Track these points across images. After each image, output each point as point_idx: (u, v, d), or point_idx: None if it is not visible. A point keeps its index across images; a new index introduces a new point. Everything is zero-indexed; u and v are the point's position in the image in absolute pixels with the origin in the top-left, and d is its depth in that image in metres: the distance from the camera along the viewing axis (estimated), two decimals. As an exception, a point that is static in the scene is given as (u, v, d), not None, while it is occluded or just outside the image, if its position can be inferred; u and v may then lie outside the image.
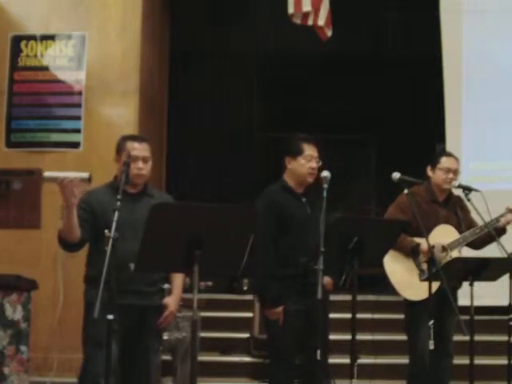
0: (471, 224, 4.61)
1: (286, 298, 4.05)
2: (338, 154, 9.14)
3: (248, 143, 9.07)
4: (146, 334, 3.76)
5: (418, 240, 4.42)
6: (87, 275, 3.82)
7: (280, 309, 4.03)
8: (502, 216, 4.46)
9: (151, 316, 3.79)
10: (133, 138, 3.90)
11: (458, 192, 4.61)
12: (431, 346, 3.91)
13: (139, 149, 3.78)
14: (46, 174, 3.47)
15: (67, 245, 3.67)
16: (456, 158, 4.68)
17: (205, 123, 8.97)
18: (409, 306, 4.52)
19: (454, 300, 4.39)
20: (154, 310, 3.80)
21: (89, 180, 3.43)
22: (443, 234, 4.48)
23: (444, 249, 4.45)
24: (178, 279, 3.95)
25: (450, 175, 4.56)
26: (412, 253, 4.45)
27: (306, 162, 4.17)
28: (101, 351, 3.57)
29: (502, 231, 4.48)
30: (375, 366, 6.04)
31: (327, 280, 4.25)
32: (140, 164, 3.76)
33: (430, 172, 4.65)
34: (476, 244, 4.58)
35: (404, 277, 4.48)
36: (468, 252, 4.66)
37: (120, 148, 3.83)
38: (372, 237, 3.67)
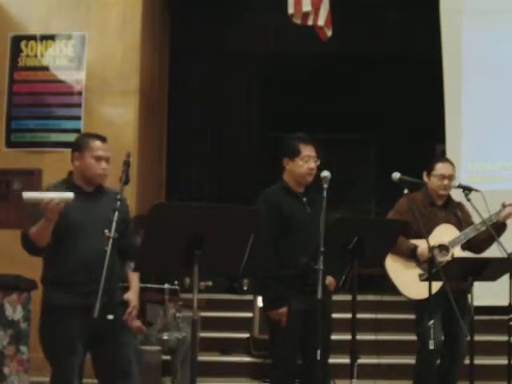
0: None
1: (287, 299, 4.05)
2: (338, 154, 9.15)
3: (248, 143, 9.07)
4: (116, 330, 3.63)
5: (418, 242, 4.41)
6: (47, 277, 3.68)
7: (283, 310, 4.03)
8: (500, 212, 4.45)
9: (117, 312, 3.64)
10: (96, 137, 3.80)
11: (458, 192, 4.61)
12: (431, 346, 3.91)
13: (104, 149, 3.73)
14: (27, 195, 3.35)
15: (35, 248, 3.56)
16: (451, 163, 4.67)
17: (205, 123, 8.97)
18: (413, 304, 4.51)
19: (465, 303, 4.31)
20: (118, 306, 3.70)
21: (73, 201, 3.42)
22: (444, 233, 4.48)
23: (445, 247, 4.45)
24: (135, 275, 3.88)
25: (445, 182, 4.57)
26: (411, 256, 4.45)
27: (303, 163, 4.16)
28: (72, 357, 3.55)
29: (503, 226, 4.48)
30: (378, 366, 6.04)
31: (329, 280, 4.25)
32: (104, 164, 3.70)
33: (425, 178, 4.66)
34: (477, 245, 4.57)
35: (406, 276, 4.48)
36: (468, 252, 4.65)
37: (81, 146, 3.73)
38: (372, 237, 3.67)
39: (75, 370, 3.60)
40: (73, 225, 3.55)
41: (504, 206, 4.45)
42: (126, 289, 3.86)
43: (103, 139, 3.78)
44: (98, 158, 3.69)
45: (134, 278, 3.91)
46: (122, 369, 3.67)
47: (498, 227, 4.44)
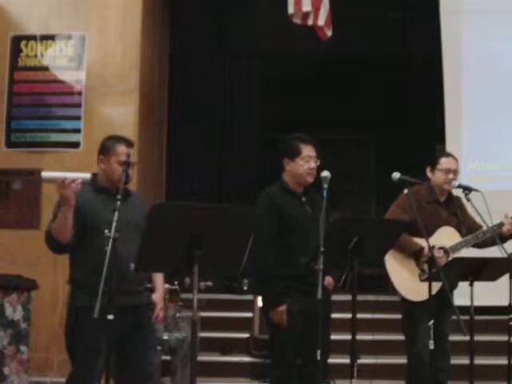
0: (472, 225, 4.60)
1: (287, 298, 4.05)
2: (337, 154, 9.15)
3: (248, 143, 9.07)
4: (142, 332, 3.74)
5: (419, 240, 4.41)
6: (73, 277, 3.73)
7: (283, 307, 4.03)
8: (502, 224, 4.44)
9: (144, 314, 3.78)
10: (123, 141, 3.81)
11: (457, 192, 4.61)
12: (431, 346, 3.91)
13: (129, 154, 3.75)
14: (45, 173, 3.42)
15: (58, 245, 3.61)
16: (455, 158, 4.67)
17: (205, 123, 8.97)
18: (408, 305, 4.51)
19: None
20: (145, 307, 3.79)
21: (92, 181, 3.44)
22: (445, 236, 4.48)
23: (445, 251, 4.45)
24: (160, 276, 3.96)
25: (450, 176, 4.55)
26: (415, 256, 4.45)
27: (304, 163, 4.16)
28: (95, 357, 3.56)
29: (508, 239, 4.49)
30: (376, 366, 6.04)
31: (329, 280, 4.25)
32: (129, 169, 3.71)
33: (429, 173, 4.64)
34: (483, 246, 4.58)
35: (405, 277, 4.47)
36: (469, 252, 4.65)
37: (107, 149, 3.76)
38: (372, 237, 3.67)
39: (96, 371, 3.61)
40: (100, 225, 3.52)
41: (503, 223, 4.44)
42: (150, 289, 3.90)
43: (129, 144, 3.80)
44: (123, 163, 3.69)
45: (159, 279, 3.96)
46: (143, 370, 3.74)
47: (505, 239, 4.45)
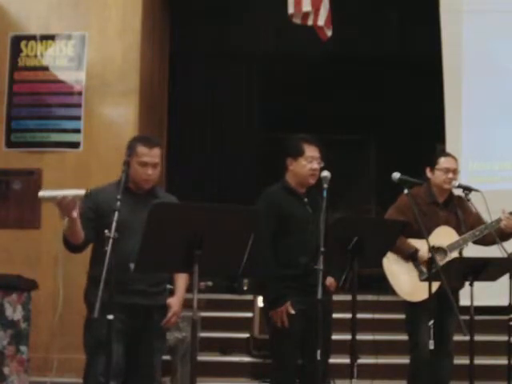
0: (475, 223, 4.58)
1: (287, 298, 4.04)
2: (338, 153, 9.14)
3: (248, 143, 9.07)
4: (150, 334, 3.76)
5: (417, 242, 4.41)
6: (91, 274, 3.79)
7: (282, 308, 4.03)
8: (500, 220, 4.44)
9: (155, 316, 3.79)
10: (145, 141, 3.80)
11: (458, 192, 4.61)
12: (431, 346, 3.91)
13: (150, 155, 3.74)
14: (42, 193, 3.39)
15: (72, 246, 3.66)
16: (454, 158, 4.68)
17: (205, 123, 8.97)
18: (408, 306, 4.52)
19: (456, 301, 4.39)
20: (158, 310, 3.80)
21: (86, 197, 3.43)
22: (443, 236, 4.48)
23: (443, 250, 4.45)
24: (182, 280, 3.91)
25: (450, 175, 4.56)
26: (411, 258, 4.46)
27: (306, 163, 4.16)
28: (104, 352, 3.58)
29: (509, 235, 4.49)
30: (376, 366, 6.04)
31: (330, 280, 4.25)
32: (149, 170, 3.73)
33: (429, 174, 4.65)
34: (483, 244, 4.58)
35: (403, 278, 4.48)
36: (468, 252, 4.65)
37: (130, 150, 3.78)
38: (372, 237, 3.67)
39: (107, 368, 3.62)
40: (118, 225, 3.51)
41: (501, 219, 4.44)
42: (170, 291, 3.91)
43: (152, 145, 3.78)
44: (143, 164, 3.71)
45: (181, 282, 3.91)
46: (147, 373, 3.77)
47: (506, 236, 4.45)
